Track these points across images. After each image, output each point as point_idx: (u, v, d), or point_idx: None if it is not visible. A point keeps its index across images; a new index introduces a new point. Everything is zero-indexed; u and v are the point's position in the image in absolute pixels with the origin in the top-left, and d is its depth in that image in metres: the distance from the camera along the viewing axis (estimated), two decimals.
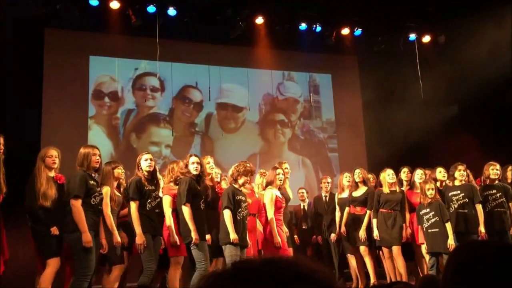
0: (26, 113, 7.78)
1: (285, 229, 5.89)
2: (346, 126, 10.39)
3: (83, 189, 4.55)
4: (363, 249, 6.47)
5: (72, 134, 8.14)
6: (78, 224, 4.44)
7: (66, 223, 4.55)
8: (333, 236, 6.97)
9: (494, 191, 6.26)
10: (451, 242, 5.74)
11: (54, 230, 4.63)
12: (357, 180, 6.64)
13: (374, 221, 6.31)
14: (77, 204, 4.48)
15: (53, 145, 5.10)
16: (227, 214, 5.18)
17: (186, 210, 4.99)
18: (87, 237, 4.41)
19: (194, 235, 4.93)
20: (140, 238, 4.85)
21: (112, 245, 4.97)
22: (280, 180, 5.86)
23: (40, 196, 4.61)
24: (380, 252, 6.53)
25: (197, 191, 5.12)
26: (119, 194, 5.31)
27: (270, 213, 5.65)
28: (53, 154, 4.81)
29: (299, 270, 0.82)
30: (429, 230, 5.91)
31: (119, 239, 4.98)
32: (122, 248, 5.19)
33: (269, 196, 5.71)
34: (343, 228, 6.66)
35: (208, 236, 5.25)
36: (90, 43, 8.87)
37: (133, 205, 4.95)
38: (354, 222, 6.60)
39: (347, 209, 6.68)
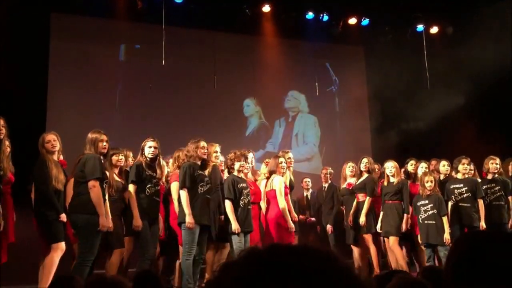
0: (31, 97, 7.77)
1: (294, 214, 5.99)
2: (351, 116, 10.36)
3: (101, 171, 4.53)
4: (367, 237, 6.48)
5: (78, 119, 8.14)
6: (96, 207, 4.41)
7: (76, 204, 4.52)
8: (328, 227, 6.98)
9: (494, 184, 6.37)
10: (447, 236, 5.81)
11: (63, 218, 4.66)
12: (362, 169, 6.64)
13: (381, 214, 6.38)
14: (96, 185, 4.45)
15: (58, 130, 5.12)
16: (227, 205, 5.28)
17: (183, 194, 5.06)
18: (104, 221, 4.41)
19: (188, 219, 4.96)
20: (137, 220, 4.94)
21: (113, 229, 4.95)
22: (283, 168, 5.88)
23: (53, 179, 4.63)
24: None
25: (197, 176, 5.12)
26: (118, 180, 5.29)
27: (282, 200, 5.69)
28: (50, 139, 4.79)
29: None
30: (425, 222, 5.97)
31: (111, 224, 4.91)
32: (128, 233, 5.22)
33: (278, 182, 5.74)
34: (350, 217, 6.64)
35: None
36: (96, 28, 8.83)
37: (132, 188, 5.05)
38: (358, 209, 6.58)
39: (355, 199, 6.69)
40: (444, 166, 6.55)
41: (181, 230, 5.07)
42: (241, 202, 5.32)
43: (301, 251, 0.83)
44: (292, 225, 5.67)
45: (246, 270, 0.81)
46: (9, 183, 4.75)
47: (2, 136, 4.51)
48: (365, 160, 6.70)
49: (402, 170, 6.77)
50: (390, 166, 6.41)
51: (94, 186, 4.44)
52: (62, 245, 4.70)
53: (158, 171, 5.19)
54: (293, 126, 10.44)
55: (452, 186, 6.25)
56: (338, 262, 0.83)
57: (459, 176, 6.30)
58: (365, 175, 6.61)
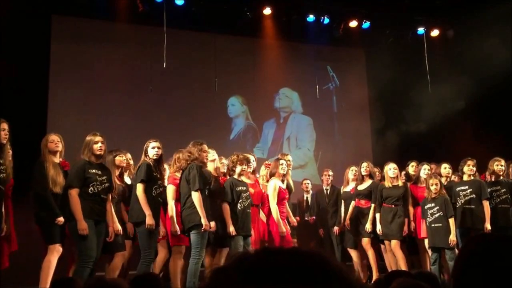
0: (32, 99, 7.77)
1: (293, 219, 6.02)
2: (351, 119, 10.33)
3: (79, 179, 4.52)
4: (366, 241, 6.46)
5: (78, 121, 8.13)
6: (73, 213, 4.46)
7: (67, 212, 4.57)
8: (335, 229, 6.97)
9: (499, 187, 6.30)
10: (453, 238, 5.78)
11: (60, 221, 4.66)
12: (363, 173, 6.63)
13: (377, 216, 6.34)
14: (73, 194, 4.49)
15: (59, 132, 5.12)
16: (225, 208, 5.25)
17: (196, 196, 4.94)
18: (81, 224, 4.40)
19: (204, 221, 4.89)
20: (150, 219, 4.78)
21: (114, 232, 4.94)
22: (283, 169, 5.89)
23: (50, 181, 4.65)
24: (382, 245, 6.51)
25: (205, 179, 5.12)
26: (119, 183, 5.27)
27: (273, 203, 5.69)
28: (54, 139, 4.84)
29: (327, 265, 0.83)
30: (432, 225, 5.95)
31: (119, 227, 4.95)
32: (126, 237, 5.20)
33: (272, 187, 5.76)
34: (347, 221, 6.64)
35: (213, 224, 5.21)
36: (97, 31, 8.84)
37: (141, 187, 4.87)
38: (358, 215, 6.60)
39: (353, 202, 6.67)
40: (445, 169, 6.54)
41: (192, 234, 4.97)
42: (239, 205, 5.29)
43: (292, 254, 0.83)
44: (283, 228, 5.61)
45: (237, 274, 0.81)
46: (11, 186, 4.76)
47: (5, 141, 4.51)
48: (365, 164, 6.70)
49: (403, 172, 6.76)
50: (392, 168, 6.38)
51: (70, 195, 4.50)
52: (58, 247, 4.69)
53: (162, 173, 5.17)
54: (284, 128, 9.96)
55: (458, 189, 6.23)
56: (331, 264, 0.82)
57: (465, 177, 6.28)
58: (369, 181, 6.60)
